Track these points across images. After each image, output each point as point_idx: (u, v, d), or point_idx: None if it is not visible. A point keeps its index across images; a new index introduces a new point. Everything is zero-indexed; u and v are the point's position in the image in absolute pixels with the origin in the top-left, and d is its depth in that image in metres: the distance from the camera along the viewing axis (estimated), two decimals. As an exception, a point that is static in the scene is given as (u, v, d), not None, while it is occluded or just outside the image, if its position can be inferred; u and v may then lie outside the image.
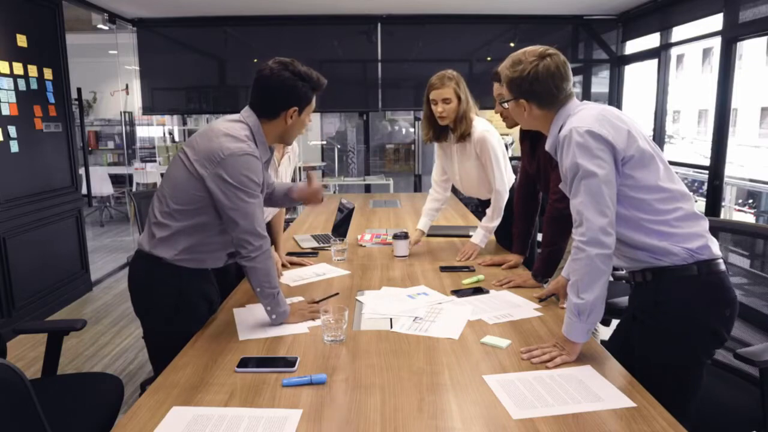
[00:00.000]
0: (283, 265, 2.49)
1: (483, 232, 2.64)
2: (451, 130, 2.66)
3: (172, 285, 1.77)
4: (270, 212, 2.53)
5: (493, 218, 2.64)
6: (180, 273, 1.76)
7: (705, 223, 1.55)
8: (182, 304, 1.78)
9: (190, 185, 1.70)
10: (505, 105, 1.68)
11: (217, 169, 1.65)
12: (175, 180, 1.74)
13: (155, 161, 8.43)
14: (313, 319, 1.80)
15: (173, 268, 1.75)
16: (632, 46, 5.88)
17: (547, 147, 1.65)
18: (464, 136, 2.62)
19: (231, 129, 1.71)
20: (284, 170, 2.57)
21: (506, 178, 2.64)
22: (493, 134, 2.61)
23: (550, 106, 1.59)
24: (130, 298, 1.86)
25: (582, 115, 1.52)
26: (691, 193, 1.57)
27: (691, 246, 1.49)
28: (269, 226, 2.57)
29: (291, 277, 2.32)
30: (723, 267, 1.52)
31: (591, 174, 1.44)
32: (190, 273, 1.78)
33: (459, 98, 2.55)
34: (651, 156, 1.50)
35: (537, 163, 2.30)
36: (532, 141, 2.32)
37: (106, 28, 5.56)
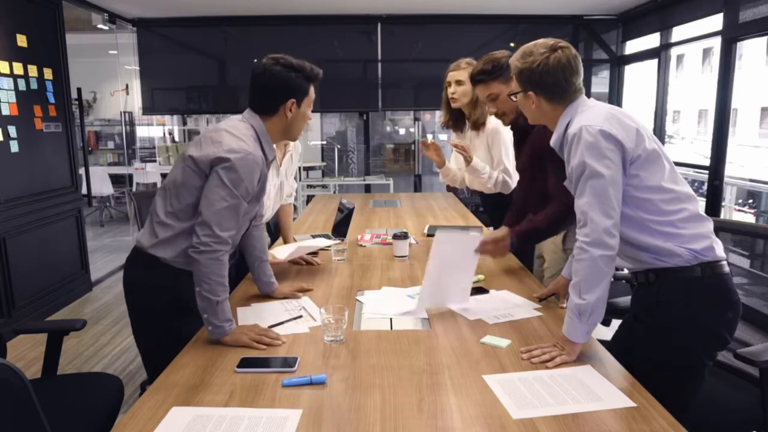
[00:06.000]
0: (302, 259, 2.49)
1: (477, 161, 2.71)
2: (466, 118, 2.72)
3: (168, 287, 1.75)
4: (270, 208, 2.52)
5: (487, 171, 2.69)
6: (176, 275, 1.74)
7: (710, 225, 1.54)
8: (178, 308, 1.75)
9: (193, 183, 1.69)
10: (514, 98, 1.68)
11: (219, 164, 1.63)
12: (177, 178, 1.73)
13: (155, 161, 8.43)
14: (254, 347, 1.59)
15: (170, 269, 1.74)
16: (632, 46, 5.88)
17: (552, 143, 1.64)
18: (479, 124, 2.68)
19: (234, 128, 1.71)
20: (285, 170, 2.57)
21: (513, 167, 2.71)
22: (506, 128, 2.67)
23: (559, 101, 1.58)
24: (125, 297, 1.84)
25: (591, 114, 1.51)
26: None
27: (695, 247, 1.49)
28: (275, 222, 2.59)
29: (281, 252, 2.33)
30: (727, 269, 1.52)
31: (597, 174, 1.44)
32: (187, 276, 1.72)
33: None
34: (657, 155, 1.50)
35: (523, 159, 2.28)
36: (521, 135, 2.28)
37: (106, 28, 5.56)
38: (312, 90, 1.80)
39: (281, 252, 2.31)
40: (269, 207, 2.50)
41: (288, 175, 2.61)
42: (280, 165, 2.51)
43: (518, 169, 2.35)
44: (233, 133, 1.69)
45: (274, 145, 2.35)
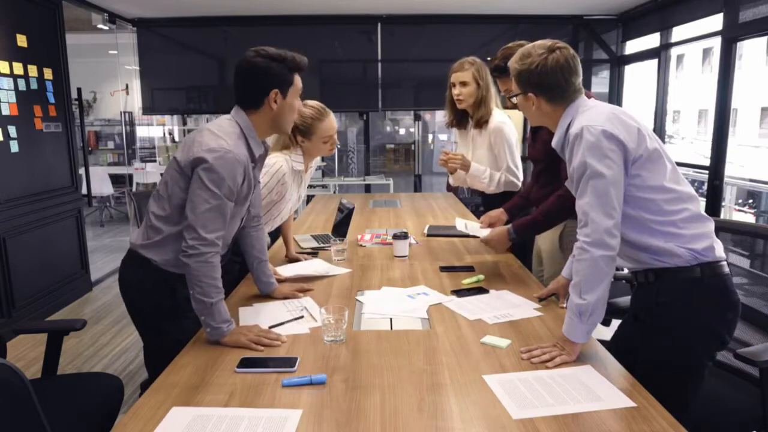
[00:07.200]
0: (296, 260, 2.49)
1: (476, 166, 2.73)
2: (470, 117, 2.73)
3: (159, 289, 1.75)
4: (279, 217, 2.53)
5: (487, 175, 2.67)
6: (167, 277, 1.73)
7: (711, 225, 1.54)
8: (168, 309, 1.75)
9: (179, 185, 1.68)
10: (514, 99, 1.68)
11: (198, 165, 1.61)
12: (167, 182, 1.72)
13: (155, 161, 8.43)
14: (253, 348, 1.58)
15: (161, 271, 1.73)
16: (632, 46, 5.88)
17: (553, 144, 1.64)
18: (481, 122, 2.69)
19: (217, 127, 1.69)
20: (305, 182, 2.59)
21: (519, 165, 2.69)
22: (509, 126, 2.68)
23: (559, 101, 1.58)
24: (123, 299, 1.85)
25: (592, 114, 1.51)
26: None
27: (696, 247, 1.49)
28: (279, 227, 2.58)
29: (287, 270, 2.31)
30: (727, 270, 1.52)
31: (599, 174, 1.44)
32: (178, 278, 1.72)
33: (478, 84, 2.63)
34: (659, 155, 1.50)
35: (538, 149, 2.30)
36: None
37: (106, 28, 5.56)
38: (298, 80, 1.75)
39: (287, 271, 2.29)
40: (284, 219, 2.50)
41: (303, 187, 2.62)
42: (303, 180, 2.50)
43: (534, 158, 2.34)
44: (214, 131, 1.66)
45: (301, 160, 2.31)
